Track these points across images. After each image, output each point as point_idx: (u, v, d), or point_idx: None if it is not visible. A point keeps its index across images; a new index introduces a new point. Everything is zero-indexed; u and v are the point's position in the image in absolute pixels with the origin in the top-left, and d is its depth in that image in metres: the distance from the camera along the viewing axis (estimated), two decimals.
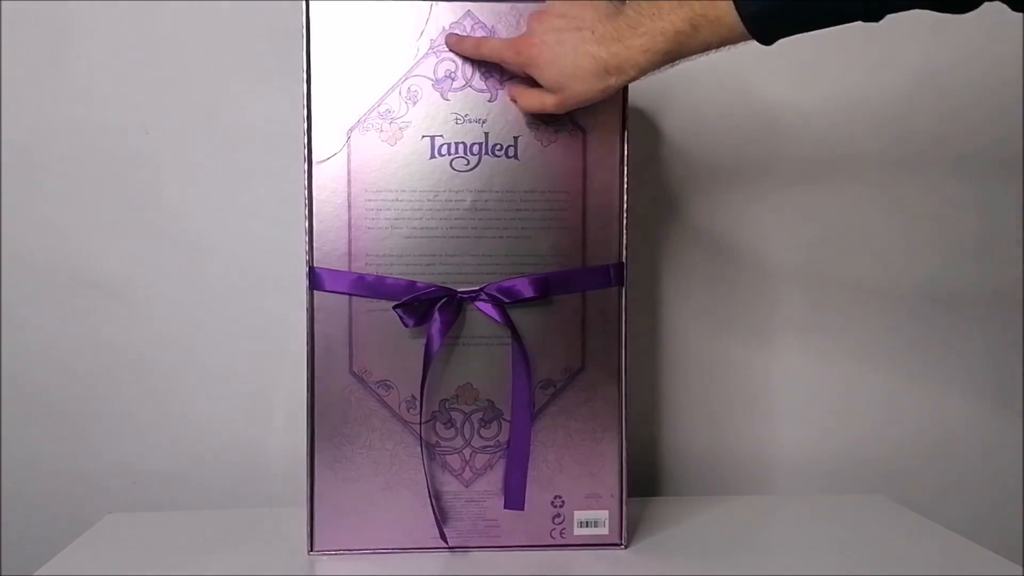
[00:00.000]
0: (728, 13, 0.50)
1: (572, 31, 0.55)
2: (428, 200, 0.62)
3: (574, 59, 0.55)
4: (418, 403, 0.62)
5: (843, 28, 0.87)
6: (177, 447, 0.82)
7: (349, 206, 0.62)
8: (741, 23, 0.50)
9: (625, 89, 0.63)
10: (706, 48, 0.53)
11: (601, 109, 0.63)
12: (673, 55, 0.53)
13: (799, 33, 0.52)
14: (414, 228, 0.62)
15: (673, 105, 0.84)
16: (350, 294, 0.62)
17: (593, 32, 0.54)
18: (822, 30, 0.54)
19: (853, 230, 0.86)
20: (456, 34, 0.61)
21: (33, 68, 0.79)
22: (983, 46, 0.85)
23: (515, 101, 0.62)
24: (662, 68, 0.55)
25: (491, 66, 0.62)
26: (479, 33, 0.62)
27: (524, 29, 0.60)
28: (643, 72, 0.54)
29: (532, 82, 0.59)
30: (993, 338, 0.88)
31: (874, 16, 0.51)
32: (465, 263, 0.63)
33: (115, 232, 0.80)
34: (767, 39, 0.52)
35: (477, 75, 0.62)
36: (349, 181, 0.62)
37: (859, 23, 0.52)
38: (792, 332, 0.86)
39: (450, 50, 0.62)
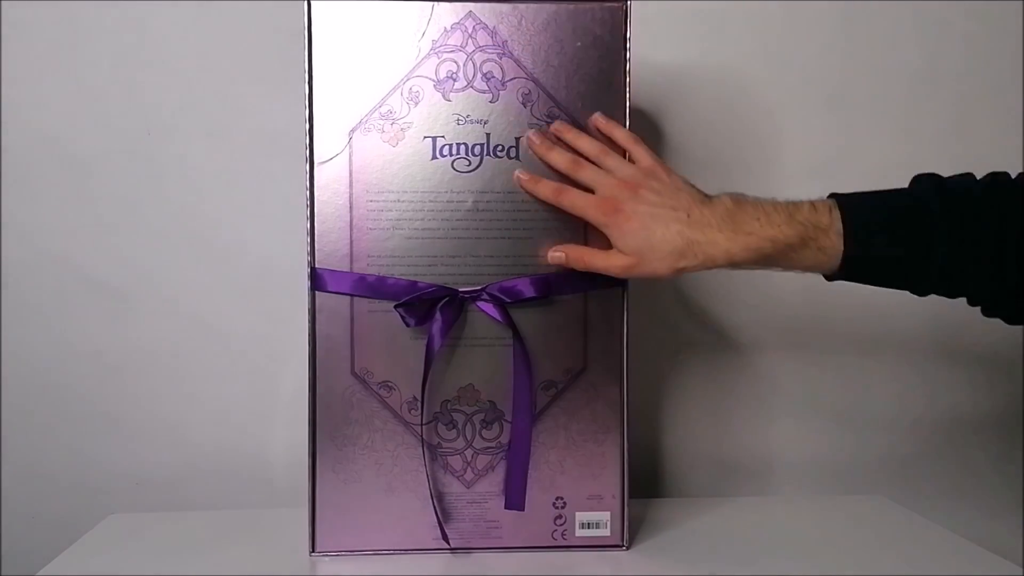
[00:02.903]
0: (836, 246, 0.55)
1: (667, 209, 0.57)
2: (430, 201, 0.62)
3: (664, 234, 0.56)
4: (419, 404, 0.62)
5: (842, 32, 0.88)
6: (179, 448, 0.82)
7: (351, 207, 0.62)
8: (838, 260, 0.55)
9: (625, 89, 0.63)
10: (800, 268, 0.57)
11: (601, 109, 0.63)
12: (767, 262, 0.56)
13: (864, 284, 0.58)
14: (416, 229, 0.62)
15: (673, 105, 0.83)
16: (352, 295, 0.62)
17: (688, 215, 0.57)
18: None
19: None
20: (534, 176, 0.61)
21: (33, 68, 0.78)
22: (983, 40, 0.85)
23: (567, 257, 0.61)
24: (748, 268, 0.57)
25: (493, 68, 0.62)
26: (480, 34, 0.62)
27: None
28: (733, 264, 0.57)
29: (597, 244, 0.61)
30: (993, 338, 0.88)
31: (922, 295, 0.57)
32: (466, 264, 0.63)
33: (115, 232, 0.80)
34: (839, 279, 0.58)
35: (479, 76, 0.62)
36: (351, 182, 0.62)
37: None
38: (792, 332, 0.86)
39: (524, 189, 0.62)
